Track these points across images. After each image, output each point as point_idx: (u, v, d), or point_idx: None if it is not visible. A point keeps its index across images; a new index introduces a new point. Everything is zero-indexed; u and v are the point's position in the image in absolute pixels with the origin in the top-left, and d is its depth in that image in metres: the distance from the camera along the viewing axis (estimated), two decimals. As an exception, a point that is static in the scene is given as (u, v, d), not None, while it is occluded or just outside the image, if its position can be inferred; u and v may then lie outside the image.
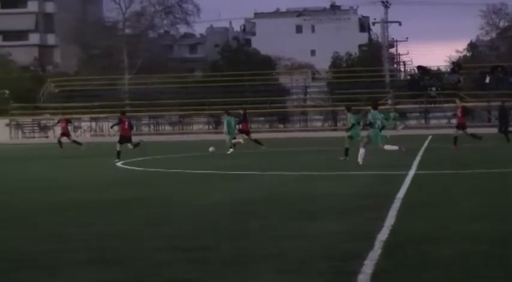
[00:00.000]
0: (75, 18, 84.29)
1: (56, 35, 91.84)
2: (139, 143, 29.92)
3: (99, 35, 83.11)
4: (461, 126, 31.50)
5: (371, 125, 23.38)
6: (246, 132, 35.03)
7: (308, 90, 74.43)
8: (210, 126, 70.00)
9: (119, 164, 26.17)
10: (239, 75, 69.48)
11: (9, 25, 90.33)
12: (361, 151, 22.60)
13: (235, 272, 7.72)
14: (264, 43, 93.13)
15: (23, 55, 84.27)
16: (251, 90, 67.09)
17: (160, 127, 71.20)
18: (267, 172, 20.88)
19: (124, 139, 29.27)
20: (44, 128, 70.57)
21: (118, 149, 28.46)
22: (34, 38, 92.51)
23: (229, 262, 8.23)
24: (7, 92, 77.62)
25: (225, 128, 34.94)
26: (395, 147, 23.47)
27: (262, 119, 67.23)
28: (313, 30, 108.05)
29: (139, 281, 7.53)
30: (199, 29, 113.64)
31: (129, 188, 17.70)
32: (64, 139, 41.09)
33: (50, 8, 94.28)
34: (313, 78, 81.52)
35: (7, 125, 69.73)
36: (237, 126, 34.69)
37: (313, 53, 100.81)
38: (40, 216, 12.96)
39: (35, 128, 71.25)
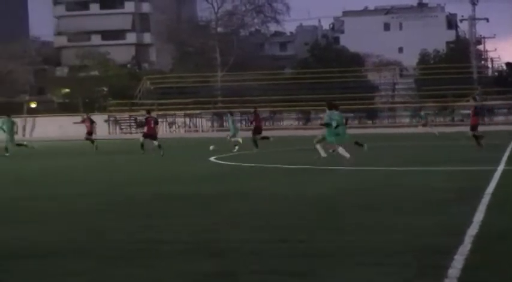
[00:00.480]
0: (169, 17, 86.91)
1: (151, 34, 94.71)
2: (159, 145, 31.17)
3: (193, 33, 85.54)
4: (473, 126, 29.21)
5: (327, 125, 23.32)
6: (259, 130, 34.28)
7: (396, 86, 75.45)
8: (300, 122, 71.68)
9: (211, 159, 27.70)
10: (328, 72, 70.63)
11: (108, 25, 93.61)
12: (340, 149, 22.52)
13: (330, 264, 7.85)
14: (352, 41, 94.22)
15: (120, 54, 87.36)
16: (340, 87, 68.17)
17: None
18: (357, 167, 20.75)
19: (149, 136, 32.08)
20: (140, 124, 73.31)
21: (141, 141, 32.02)
22: (131, 37, 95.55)
23: (324, 254, 8.34)
24: (105, 89, 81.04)
25: (230, 126, 35.67)
26: (347, 155, 22.25)
27: (352, 115, 68.41)
28: (400, 27, 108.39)
29: (236, 273, 7.60)
30: (289, 27, 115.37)
31: (224, 182, 18.03)
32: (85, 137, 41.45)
33: (146, 8, 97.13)
34: (401, 75, 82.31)
35: (105, 121, 72.73)
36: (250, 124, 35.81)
37: (400, 50, 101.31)
38: (137, 207, 13.31)
39: (131, 123, 73.99)
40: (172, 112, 71.03)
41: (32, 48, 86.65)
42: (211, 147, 31.01)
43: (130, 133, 71.83)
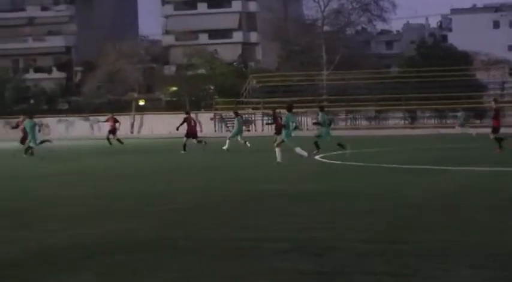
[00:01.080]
0: (276, 16, 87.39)
1: (258, 33, 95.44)
2: (202, 140, 33.65)
3: (299, 32, 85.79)
4: (495, 128, 28.56)
5: (285, 127, 24.62)
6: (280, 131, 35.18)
7: (505, 85, 73.82)
8: (406, 121, 70.97)
9: (318, 156, 28.02)
10: (435, 71, 69.76)
11: (215, 24, 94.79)
12: (297, 150, 24.49)
13: (433, 265, 7.81)
14: (460, 39, 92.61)
15: (227, 52, 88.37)
16: (447, 86, 67.27)
17: (357, 122, 72.80)
18: (459, 167, 20.78)
19: (191, 135, 34.64)
20: (245, 122, 74.06)
21: (184, 142, 33.84)
22: (238, 36, 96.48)
23: (426, 255, 8.31)
24: (212, 87, 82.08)
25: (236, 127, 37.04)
26: (304, 153, 24.26)
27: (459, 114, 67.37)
28: (510, 25, 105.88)
29: (340, 273, 7.65)
30: (395, 25, 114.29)
31: (327, 181, 18.30)
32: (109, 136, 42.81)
33: (252, 7, 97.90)
34: (511, 74, 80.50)
35: (211, 119, 73.75)
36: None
37: (510, 48, 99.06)
38: (240, 205, 13.56)
39: (237, 121, 74.71)
40: (277, 111, 71.43)
41: (141, 47, 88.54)
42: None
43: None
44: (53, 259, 8.87)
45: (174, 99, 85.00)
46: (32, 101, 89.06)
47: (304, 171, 21.64)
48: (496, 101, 31.25)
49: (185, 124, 35.10)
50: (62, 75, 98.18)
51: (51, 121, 78.51)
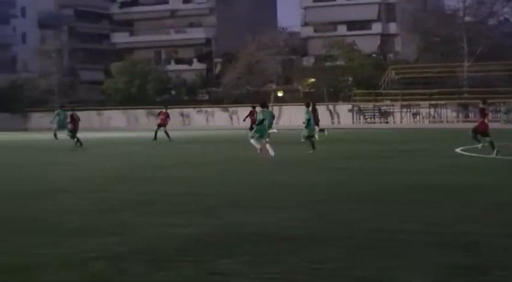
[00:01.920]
0: (415, 7, 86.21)
1: (397, 24, 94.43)
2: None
3: (439, 23, 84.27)
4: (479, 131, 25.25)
5: (261, 122, 25.50)
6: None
7: None
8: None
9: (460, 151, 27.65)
10: None
11: (354, 15, 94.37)
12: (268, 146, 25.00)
13: None
14: None
15: (366, 44, 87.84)
16: None
17: (498, 115, 71.03)
18: None
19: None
20: (384, 114, 73.63)
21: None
22: (376, 27, 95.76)
23: None
24: (350, 79, 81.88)
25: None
26: (258, 147, 25.37)
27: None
28: None
29: (486, 267, 7.69)
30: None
31: (467, 174, 18.18)
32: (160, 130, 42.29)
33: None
34: None
35: (349, 110, 73.71)
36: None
37: None
38: (385, 197, 13.69)
39: (375, 113, 74.42)
40: (416, 102, 70.70)
41: (280, 39, 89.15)
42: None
43: (374, 123, 72.31)
44: (212, 244, 9.42)
45: (312, 90, 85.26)
46: (173, 92, 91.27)
47: (446, 164, 21.53)
48: (483, 101, 26.86)
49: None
50: (202, 66, 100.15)
51: (191, 112, 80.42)
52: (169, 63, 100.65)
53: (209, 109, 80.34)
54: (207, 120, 78.84)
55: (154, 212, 12.49)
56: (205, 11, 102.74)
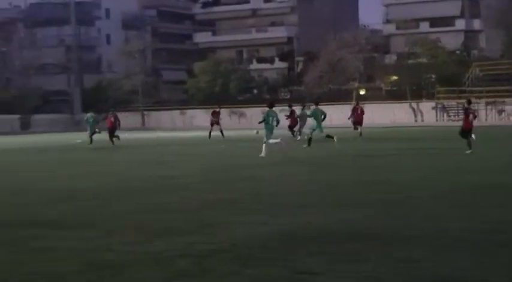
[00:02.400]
0: (500, 2, 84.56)
1: (481, 20, 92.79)
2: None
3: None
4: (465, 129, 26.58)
5: (264, 121, 27.34)
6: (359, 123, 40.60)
7: None
8: None
9: None
10: None
11: (437, 12, 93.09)
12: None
13: None
14: None
15: (450, 40, 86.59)
16: None
17: None
18: None
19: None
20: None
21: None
22: (460, 24, 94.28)
23: None
24: (433, 76, 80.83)
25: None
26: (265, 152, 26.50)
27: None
28: None
29: None
30: None
31: None
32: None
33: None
34: None
35: (433, 108, 72.81)
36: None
37: None
38: (467, 196, 13.80)
39: (459, 111, 73.32)
40: (501, 99, 69.42)
41: (362, 37, 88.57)
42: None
43: (458, 121, 71.23)
44: (297, 242, 9.54)
45: (395, 88, 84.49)
46: (255, 91, 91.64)
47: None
48: (469, 101, 28.37)
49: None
50: (284, 65, 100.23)
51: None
52: (251, 62, 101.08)
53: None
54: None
55: (239, 210, 12.66)
56: (287, 10, 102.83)
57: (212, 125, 44.31)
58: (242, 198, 14.42)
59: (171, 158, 28.03)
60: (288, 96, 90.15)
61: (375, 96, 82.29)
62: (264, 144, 26.71)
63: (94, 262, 8.67)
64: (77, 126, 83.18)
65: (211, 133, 43.45)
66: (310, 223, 10.97)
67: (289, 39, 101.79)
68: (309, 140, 30.97)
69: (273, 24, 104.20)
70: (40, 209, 13.54)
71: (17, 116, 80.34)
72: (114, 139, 38.30)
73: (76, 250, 9.40)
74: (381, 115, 69.85)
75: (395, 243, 9.23)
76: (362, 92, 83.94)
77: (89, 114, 42.54)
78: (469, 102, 28.06)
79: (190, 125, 79.57)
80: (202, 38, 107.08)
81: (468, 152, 25.24)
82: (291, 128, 41.40)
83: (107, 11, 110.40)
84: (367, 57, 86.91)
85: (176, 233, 10.45)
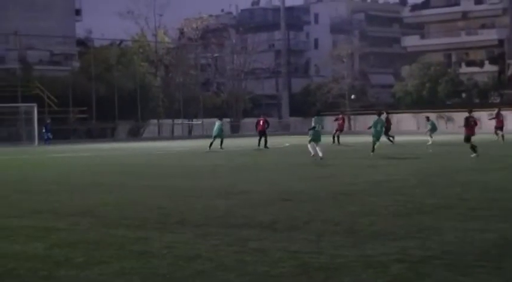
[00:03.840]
0: None
1: None
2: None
3: None
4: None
5: (313, 127, 29.45)
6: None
7: None
8: None
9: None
10: None
11: None
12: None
13: None
14: None
15: None
16: None
17: None
18: None
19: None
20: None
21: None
22: None
23: None
24: None
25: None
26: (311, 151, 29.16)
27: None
28: None
29: None
30: None
31: None
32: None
33: None
34: None
35: None
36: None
37: None
38: None
39: None
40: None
41: None
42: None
43: None
44: (508, 251, 9.32)
45: None
46: (463, 95, 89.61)
47: None
48: (469, 111, 31.91)
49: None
50: (494, 68, 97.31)
51: (482, 115, 78.47)
52: (459, 66, 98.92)
53: (503, 112, 77.72)
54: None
55: (453, 216, 12.46)
56: (498, 12, 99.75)
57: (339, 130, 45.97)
58: (458, 203, 14.20)
59: (382, 162, 27.90)
60: (498, 101, 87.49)
61: None
62: (317, 147, 28.79)
63: (306, 264, 8.76)
64: (285, 130, 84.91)
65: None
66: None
67: (500, 42, 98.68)
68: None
69: (483, 26, 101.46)
70: (253, 211, 13.81)
71: (227, 120, 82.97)
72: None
73: (288, 252, 9.52)
74: None
75: None
76: None
77: (218, 123, 41.69)
78: (470, 111, 31.58)
79: (396, 130, 78.99)
80: (410, 41, 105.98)
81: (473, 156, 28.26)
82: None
83: (316, 15, 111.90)
84: None
85: (390, 237, 10.39)
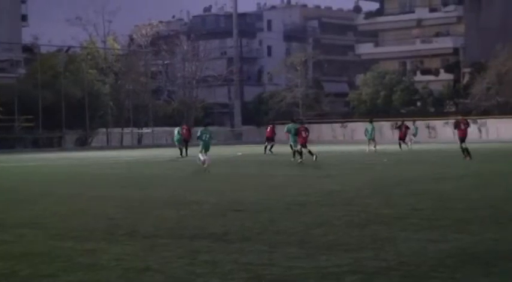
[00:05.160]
0: None
1: None
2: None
3: None
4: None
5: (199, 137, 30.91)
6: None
7: None
8: None
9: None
10: None
11: None
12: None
13: None
14: None
15: None
16: None
17: None
18: None
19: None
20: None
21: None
22: None
23: None
24: None
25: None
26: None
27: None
28: None
29: None
30: None
31: None
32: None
33: None
34: None
35: None
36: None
37: None
38: None
39: None
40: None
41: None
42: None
43: None
44: (467, 261, 9.21)
45: None
46: (418, 103, 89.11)
47: None
48: (462, 115, 35.71)
49: None
50: (450, 77, 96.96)
51: (438, 124, 77.93)
52: (414, 74, 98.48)
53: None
54: (453, 133, 75.72)
55: (408, 226, 12.33)
56: (453, 20, 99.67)
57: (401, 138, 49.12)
58: (411, 213, 14.03)
59: (334, 172, 27.74)
60: (454, 109, 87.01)
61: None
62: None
63: (258, 276, 8.54)
64: (237, 139, 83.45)
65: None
66: (482, 241, 10.61)
67: (455, 50, 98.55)
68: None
69: (438, 34, 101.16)
70: (204, 222, 13.55)
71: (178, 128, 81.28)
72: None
73: (240, 264, 9.30)
74: None
75: None
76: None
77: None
78: (463, 115, 35.60)
79: (350, 139, 77.93)
80: (364, 49, 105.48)
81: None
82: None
83: (269, 22, 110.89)
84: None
85: (344, 248, 10.26)
